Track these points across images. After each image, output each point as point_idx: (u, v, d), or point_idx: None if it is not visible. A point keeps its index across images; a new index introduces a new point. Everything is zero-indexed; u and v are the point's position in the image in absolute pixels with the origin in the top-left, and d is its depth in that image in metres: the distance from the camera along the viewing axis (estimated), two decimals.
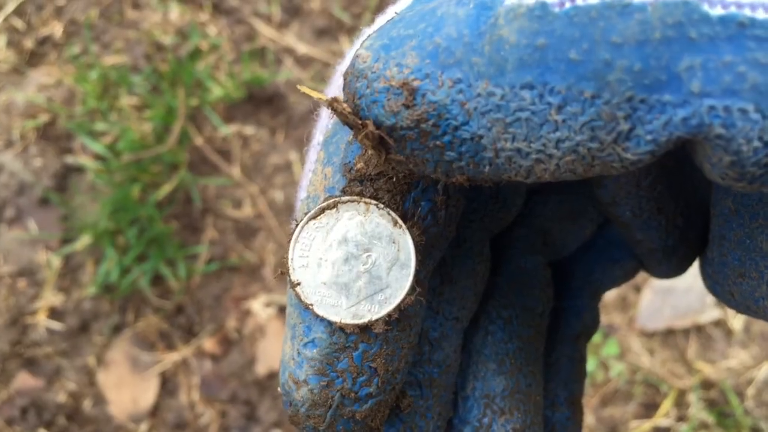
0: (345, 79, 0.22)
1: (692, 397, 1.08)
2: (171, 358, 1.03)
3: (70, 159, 1.06)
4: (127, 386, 1.02)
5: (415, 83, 0.21)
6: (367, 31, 0.29)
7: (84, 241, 1.02)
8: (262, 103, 1.10)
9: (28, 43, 1.09)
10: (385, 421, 0.29)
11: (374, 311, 0.26)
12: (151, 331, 1.03)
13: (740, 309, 0.32)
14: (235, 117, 1.09)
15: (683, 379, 1.09)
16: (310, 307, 0.26)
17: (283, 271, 0.26)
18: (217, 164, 1.04)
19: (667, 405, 1.09)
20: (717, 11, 0.18)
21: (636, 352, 1.10)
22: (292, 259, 0.26)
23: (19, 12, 1.09)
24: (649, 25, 0.19)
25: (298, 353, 0.26)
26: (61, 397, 1.02)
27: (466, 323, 0.33)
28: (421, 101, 0.20)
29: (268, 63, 1.09)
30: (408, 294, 0.26)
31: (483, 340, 0.35)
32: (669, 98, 0.19)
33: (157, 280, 1.04)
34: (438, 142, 0.22)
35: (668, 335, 1.11)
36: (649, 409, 1.09)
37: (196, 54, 1.07)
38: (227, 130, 1.07)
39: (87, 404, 1.03)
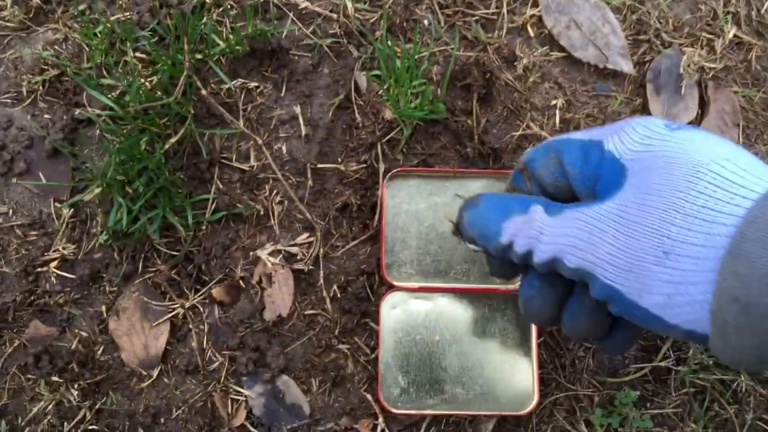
0: None
1: None
2: (181, 306, 1.05)
3: (78, 112, 1.07)
4: (137, 333, 1.04)
5: None
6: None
7: (93, 192, 1.04)
8: (265, 57, 1.12)
9: (34, 0, 1.10)
10: None
11: None
12: (161, 279, 1.05)
13: None
14: (239, 71, 1.11)
15: None
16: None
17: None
18: (223, 117, 1.06)
19: (666, 348, 1.11)
20: None
21: None
22: None
23: None
24: None
25: None
26: (74, 345, 1.04)
27: None
28: None
29: (271, 17, 1.11)
30: None
31: None
32: None
33: (166, 230, 1.06)
34: None
35: None
36: (649, 352, 1.12)
37: (200, 9, 1.09)
38: (231, 83, 1.09)
39: (99, 351, 1.05)
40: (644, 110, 1.18)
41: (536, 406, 1.05)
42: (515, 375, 1.06)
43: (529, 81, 1.17)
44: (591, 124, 1.17)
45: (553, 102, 1.17)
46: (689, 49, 1.20)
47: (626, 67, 1.19)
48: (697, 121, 1.19)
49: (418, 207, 1.08)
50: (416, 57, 1.08)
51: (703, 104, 1.20)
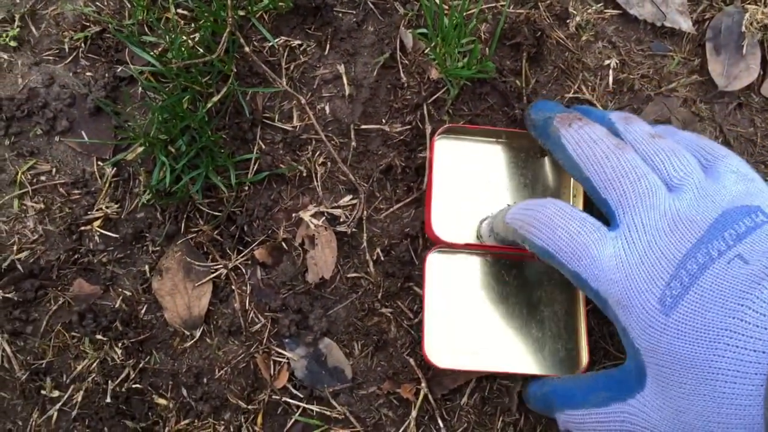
0: None
1: None
2: (223, 267, 1.04)
3: (120, 69, 1.06)
4: (180, 293, 1.03)
5: None
6: None
7: (136, 150, 1.03)
8: (309, 14, 1.09)
9: None
10: None
11: None
12: (204, 240, 1.04)
13: None
14: (282, 28, 1.08)
15: None
16: None
17: None
18: (265, 75, 1.04)
19: None
20: None
21: None
22: None
23: None
24: None
25: None
26: (117, 304, 1.04)
27: None
28: None
29: None
30: None
31: None
32: None
33: (208, 190, 1.04)
34: None
35: None
36: None
37: None
38: (274, 41, 1.06)
39: (142, 311, 1.04)
40: (703, 70, 1.13)
41: (586, 368, 1.02)
42: (562, 339, 1.03)
43: (582, 40, 1.12)
44: (646, 86, 1.12)
45: (607, 62, 1.12)
46: (752, 6, 1.14)
47: (685, 25, 1.13)
48: (758, 83, 1.13)
49: (466, 167, 1.05)
50: (464, 14, 1.04)
51: (766, 65, 1.14)
